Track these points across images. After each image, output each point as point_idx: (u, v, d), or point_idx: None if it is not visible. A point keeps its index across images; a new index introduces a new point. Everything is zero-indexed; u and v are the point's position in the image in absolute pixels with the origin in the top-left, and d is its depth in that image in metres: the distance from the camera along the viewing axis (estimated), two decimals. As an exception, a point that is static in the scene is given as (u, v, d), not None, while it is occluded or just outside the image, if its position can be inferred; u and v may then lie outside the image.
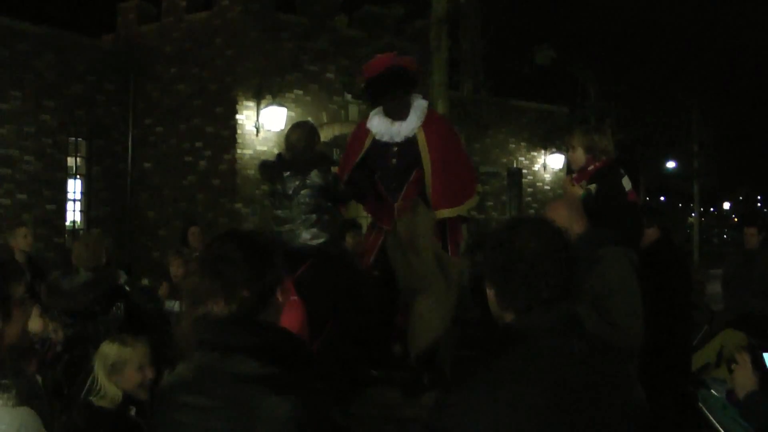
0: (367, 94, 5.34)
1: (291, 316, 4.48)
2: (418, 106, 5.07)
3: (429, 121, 5.05)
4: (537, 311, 2.00)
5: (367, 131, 5.20)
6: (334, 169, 5.25)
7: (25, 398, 2.35)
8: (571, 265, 2.06)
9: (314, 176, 4.72)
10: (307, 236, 4.75)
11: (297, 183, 4.74)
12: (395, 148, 5.06)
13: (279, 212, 4.89)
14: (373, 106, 5.28)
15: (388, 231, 5.12)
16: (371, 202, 5.37)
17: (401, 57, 5.14)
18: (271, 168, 4.97)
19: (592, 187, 4.53)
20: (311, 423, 1.85)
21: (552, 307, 2.00)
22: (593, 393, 1.92)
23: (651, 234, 5.51)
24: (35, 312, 4.77)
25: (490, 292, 2.11)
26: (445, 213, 5.01)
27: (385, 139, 5.08)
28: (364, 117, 5.44)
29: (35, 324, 4.74)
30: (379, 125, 5.12)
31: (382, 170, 5.14)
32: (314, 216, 4.75)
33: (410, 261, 4.82)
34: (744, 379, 3.21)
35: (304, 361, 2.02)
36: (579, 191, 4.54)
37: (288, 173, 4.80)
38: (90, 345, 4.76)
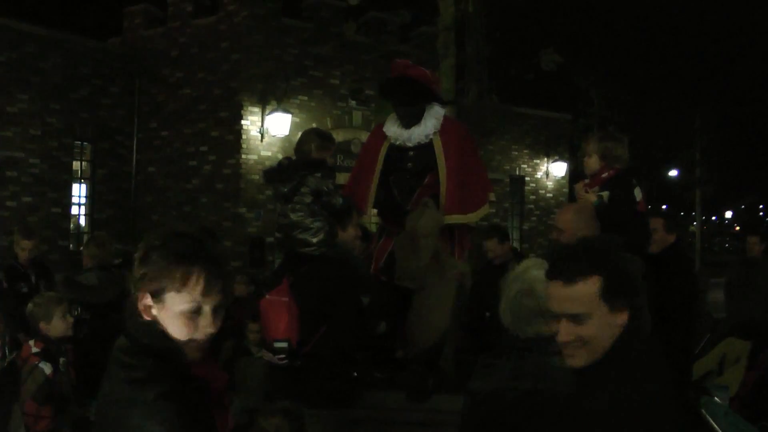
0: (383, 95, 5.38)
1: (280, 317, 4.51)
2: (434, 113, 5.08)
3: (446, 128, 5.08)
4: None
5: (384, 136, 5.24)
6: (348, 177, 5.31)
7: None
8: None
9: (309, 181, 4.74)
10: (305, 240, 4.74)
11: (290, 187, 4.75)
12: (411, 153, 5.08)
13: (278, 216, 4.93)
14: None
15: (396, 235, 5.13)
16: (385, 208, 5.37)
17: (415, 67, 5.15)
18: (270, 172, 5.01)
19: (605, 194, 4.56)
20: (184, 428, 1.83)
21: None
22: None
23: (667, 239, 5.53)
24: (59, 313, 4.81)
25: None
26: (455, 219, 5.02)
27: (399, 143, 5.12)
28: (379, 122, 5.47)
29: (59, 326, 4.79)
30: (394, 129, 5.17)
31: (397, 173, 5.17)
32: (312, 220, 4.75)
33: (409, 258, 4.83)
34: None
35: (177, 370, 1.95)
36: (592, 197, 4.57)
37: (284, 177, 4.83)
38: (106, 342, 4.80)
